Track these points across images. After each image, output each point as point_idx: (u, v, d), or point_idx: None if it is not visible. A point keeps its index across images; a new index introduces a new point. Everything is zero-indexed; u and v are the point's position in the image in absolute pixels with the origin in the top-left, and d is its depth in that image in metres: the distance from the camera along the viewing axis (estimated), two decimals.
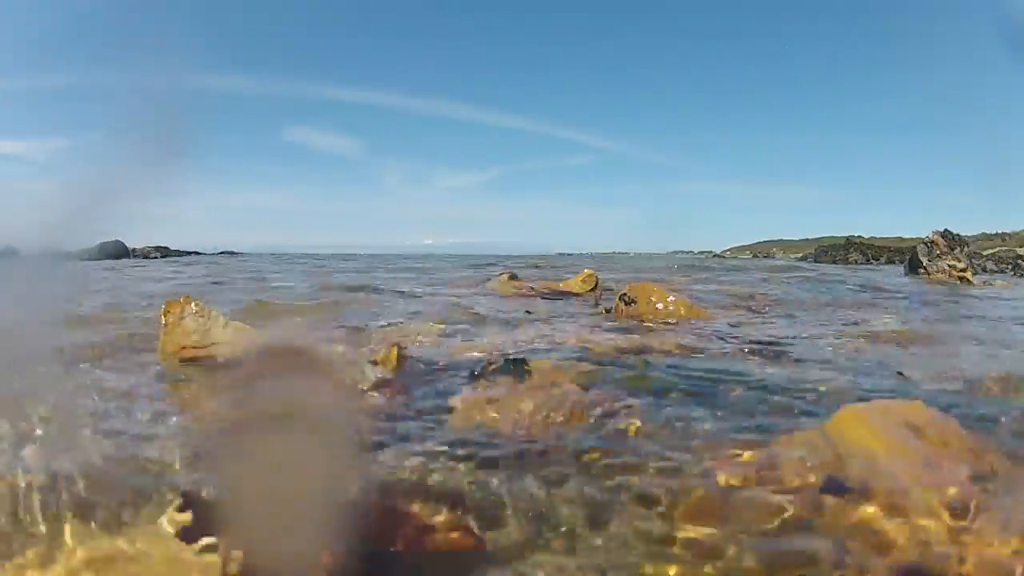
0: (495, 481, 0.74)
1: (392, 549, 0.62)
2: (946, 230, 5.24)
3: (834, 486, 0.63)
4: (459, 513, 0.67)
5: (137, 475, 0.76)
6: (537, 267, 5.56)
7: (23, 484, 0.74)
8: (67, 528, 0.65)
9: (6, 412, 0.96)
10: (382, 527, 0.65)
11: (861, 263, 9.29)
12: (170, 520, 0.66)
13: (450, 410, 0.99)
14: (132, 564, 0.61)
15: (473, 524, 0.65)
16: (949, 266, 4.98)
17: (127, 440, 0.87)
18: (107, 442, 0.87)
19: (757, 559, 0.57)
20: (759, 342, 1.59)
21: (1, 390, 1.04)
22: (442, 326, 1.73)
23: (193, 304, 1.66)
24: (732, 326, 1.88)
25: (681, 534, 0.62)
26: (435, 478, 0.75)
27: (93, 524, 0.65)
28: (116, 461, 0.80)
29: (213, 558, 0.61)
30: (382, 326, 1.75)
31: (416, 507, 0.69)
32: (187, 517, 0.67)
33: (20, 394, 1.07)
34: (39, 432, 0.91)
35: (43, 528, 0.65)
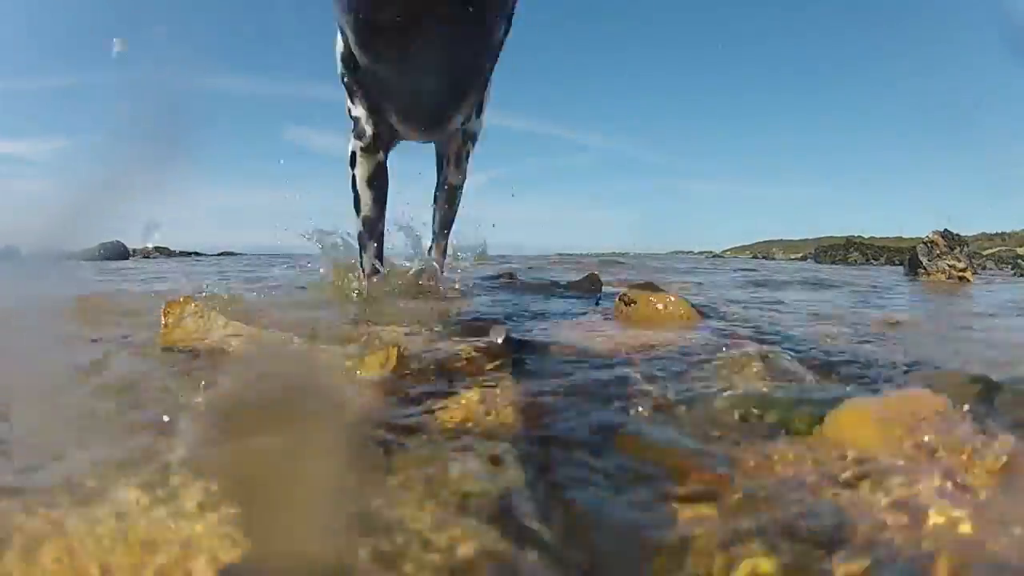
0: (490, 479, 0.74)
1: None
2: (946, 230, 5.25)
3: (830, 490, 0.63)
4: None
5: (134, 462, 0.76)
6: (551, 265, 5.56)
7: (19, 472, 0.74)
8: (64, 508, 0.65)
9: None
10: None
11: (861, 263, 9.30)
12: (174, 507, 0.66)
13: (452, 410, 0.99)
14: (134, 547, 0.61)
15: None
16: (949, 266, 5.00)
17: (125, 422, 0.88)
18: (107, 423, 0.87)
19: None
20: (763, 342, 1.59)
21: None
22: (442, 326, 1.73)
23: (193, 304, 1.67)
24: (732, 325, 1.88)
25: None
26: (435, 480, 0.75)
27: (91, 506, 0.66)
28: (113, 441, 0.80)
29: (215, 545, 0.62)
30: (379, 326, 1.75)
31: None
32: (190, 507, 0.67)
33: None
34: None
35: (39, 512, 0.65)
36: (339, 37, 1.71)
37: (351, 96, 1.79)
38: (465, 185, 2.27)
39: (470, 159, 2.16)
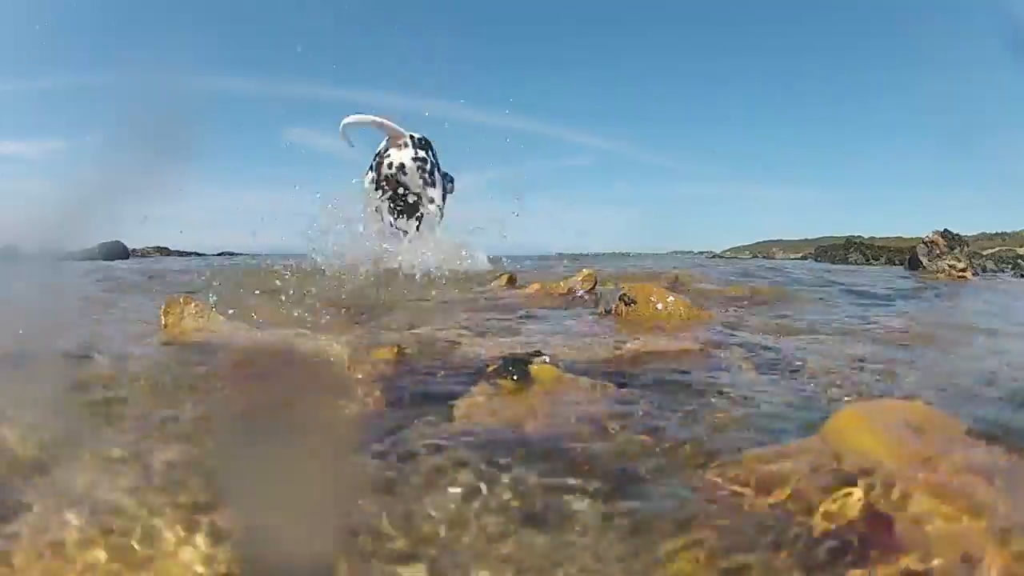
0: (488, 484, 0.74)
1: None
2: (946, 230, 5.25)
3: (831, 495, 0.63)
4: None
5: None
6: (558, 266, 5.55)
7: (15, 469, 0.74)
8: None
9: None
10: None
11: (860, 263, 9.29)
12: (167, 521, 0.66)
13: (451, 410, 0.99)
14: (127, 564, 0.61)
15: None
16: (949, 266, 5.00)
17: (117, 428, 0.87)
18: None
19: None
20: (763, 345, 1.59)
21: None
22: (442, 326, 1.73)
23: (193, 304, 1.67)
24: (734, 327, 1.88)
25: (666, 550, 0.62)
26: (433, 481, 0.75)
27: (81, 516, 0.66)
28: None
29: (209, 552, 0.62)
30: (380, 325, 1.75)
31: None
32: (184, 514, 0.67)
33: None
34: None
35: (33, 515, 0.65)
36: (368, 178, 4.07)
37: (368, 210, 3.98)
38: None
39: (434, 229, 4.05)
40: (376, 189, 3.94)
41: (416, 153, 3.97)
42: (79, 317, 1.94)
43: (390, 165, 3.92)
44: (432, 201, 4.01)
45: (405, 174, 3.88)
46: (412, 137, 4.04)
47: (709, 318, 1.98)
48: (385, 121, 3.96)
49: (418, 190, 3.91)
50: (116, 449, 0.83)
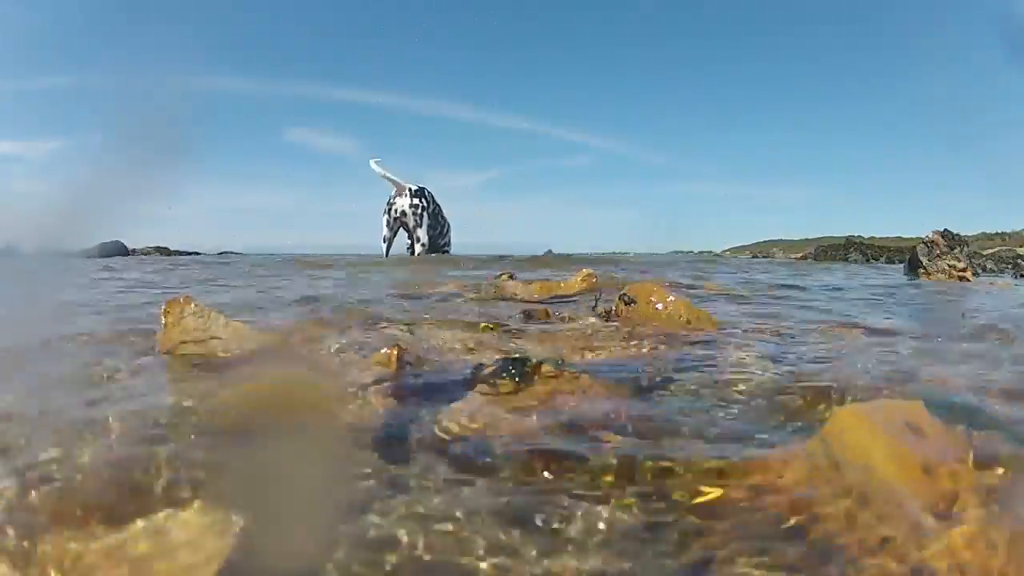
0: (487, 486, 0.74)
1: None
2: (946, 230, 5.24)
3: (830, 498, 0.63)
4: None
5: (132, 469, 0.76)
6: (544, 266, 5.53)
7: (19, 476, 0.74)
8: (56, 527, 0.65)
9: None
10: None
11: (860, 263, 9.28)
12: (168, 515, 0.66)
13: (449, 413, 0.99)
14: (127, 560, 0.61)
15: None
16: (949, 266, 5.00)
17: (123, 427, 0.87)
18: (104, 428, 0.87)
19: None
20: (763, 343, 1.59)
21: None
22: (442, 325, 1.73)
23: (193, 304, 1.66)
24: (733, 328, 1.87)
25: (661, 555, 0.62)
26: (433, 483, 0.75)
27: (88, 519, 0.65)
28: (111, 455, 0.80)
29: (213, 552, 0.62)
30: (380, 325, 1.75)
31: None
32: (188, 512, 0.67)
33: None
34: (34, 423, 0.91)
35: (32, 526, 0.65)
36: (386, 218, 7.10)
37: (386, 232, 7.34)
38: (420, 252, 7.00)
39: (422, 248, 7.12)
40: (387, 226, 6.40)
41: (412, 201, 6.24)
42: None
43: (395, 210, 6.24)
44: (419, 241, 6.29)
45: (406, 216, 6.23)
46: (410, 189, 6.33)
47: (710, 316, 1.98)
48: (391, 176, 6.21)
49: (412, 227, 6.22)
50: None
